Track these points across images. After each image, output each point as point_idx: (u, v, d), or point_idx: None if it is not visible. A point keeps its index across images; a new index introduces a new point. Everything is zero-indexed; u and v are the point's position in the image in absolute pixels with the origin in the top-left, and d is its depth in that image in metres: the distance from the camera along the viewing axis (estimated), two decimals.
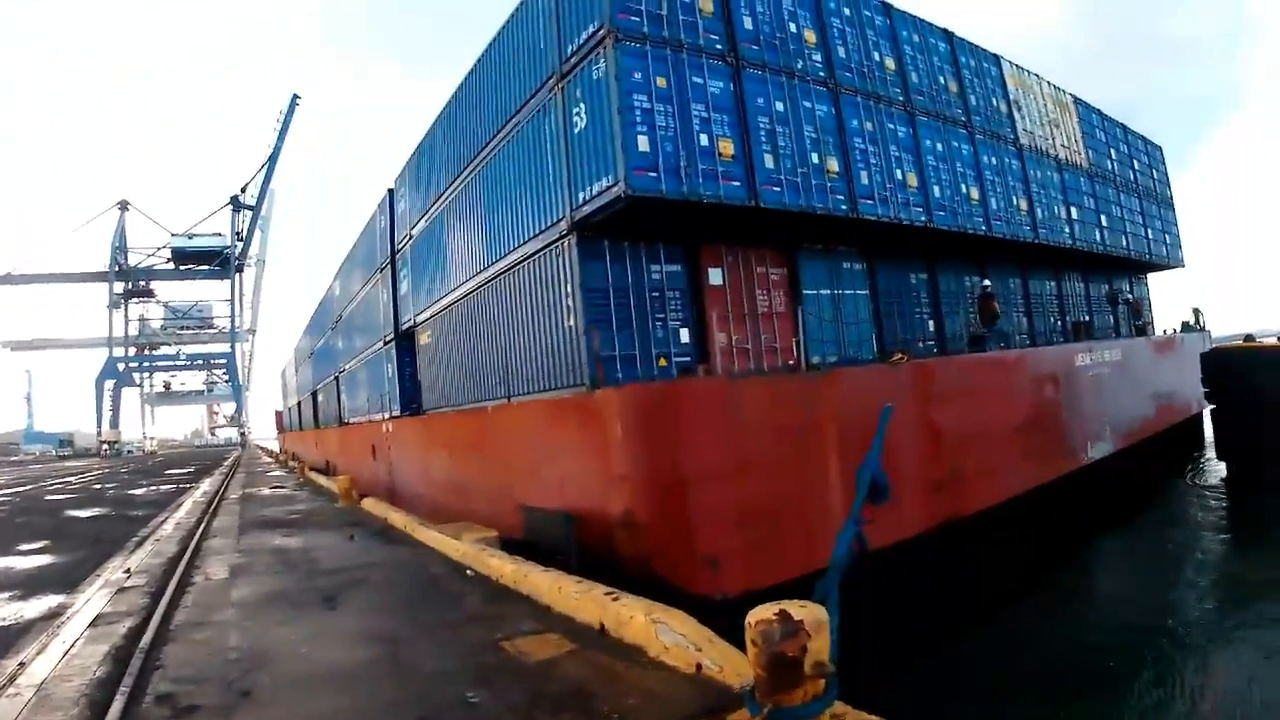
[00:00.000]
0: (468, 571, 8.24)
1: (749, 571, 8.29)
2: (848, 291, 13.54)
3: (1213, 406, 18.66)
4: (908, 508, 10.49)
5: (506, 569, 7.47)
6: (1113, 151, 23.23)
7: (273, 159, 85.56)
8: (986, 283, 16.79)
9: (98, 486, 29.37)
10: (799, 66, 12.19)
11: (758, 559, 8.54)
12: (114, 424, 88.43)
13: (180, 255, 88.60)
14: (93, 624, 6.95)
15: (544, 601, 6.46)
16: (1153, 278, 28.44)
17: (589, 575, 6.71)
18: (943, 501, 11.56)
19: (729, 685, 4.24)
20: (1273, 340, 19.30)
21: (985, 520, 12.05)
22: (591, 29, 10.28)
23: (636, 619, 5.18)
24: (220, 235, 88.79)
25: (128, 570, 9.65)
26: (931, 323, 15.54)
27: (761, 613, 3.39)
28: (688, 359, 11.12)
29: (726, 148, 10.62)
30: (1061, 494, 14.44)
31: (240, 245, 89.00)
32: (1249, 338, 21.45)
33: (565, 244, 10.79)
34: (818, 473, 9.37)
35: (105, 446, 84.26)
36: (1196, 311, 27.18)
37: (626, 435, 8.90)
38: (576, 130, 10.51)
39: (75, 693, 5.05)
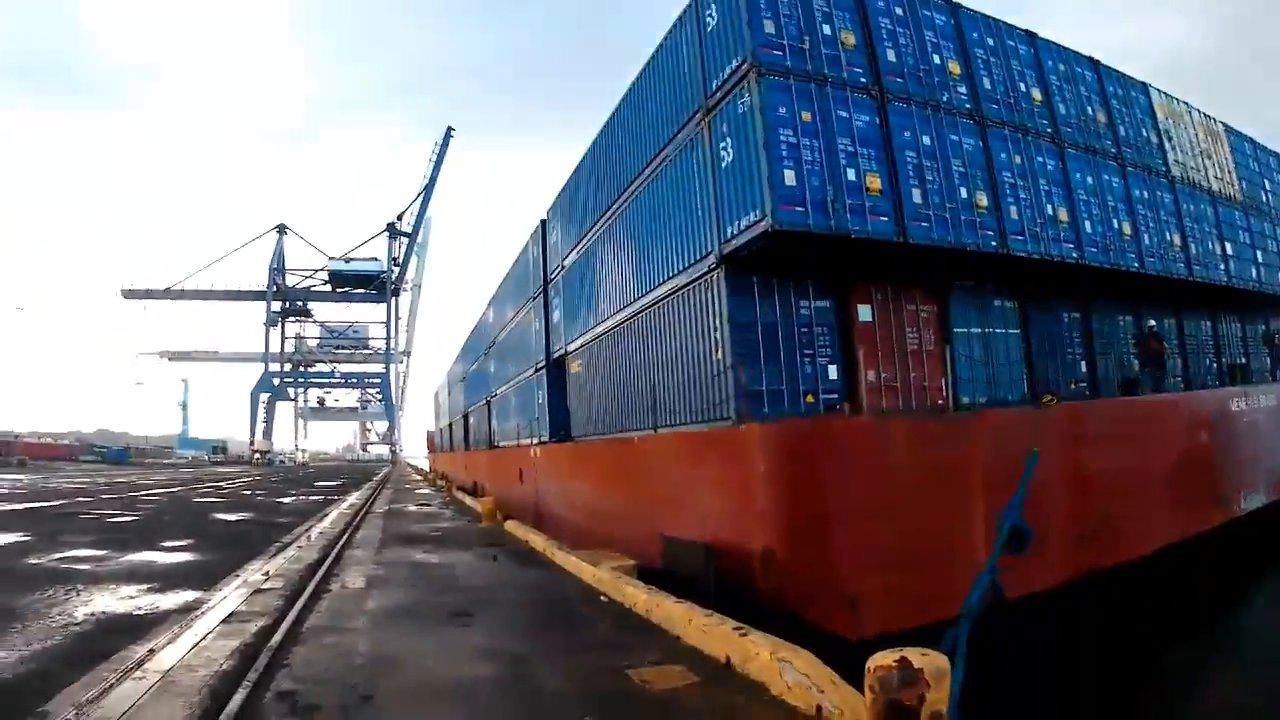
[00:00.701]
0: (602, 598, 8.18)
1: (887, 613, 7.87)
2: (998, 331, 12.61)
3: None
4: (1051, 556, 9.61)
5: (640, 597, 7.40)
6: (1267, 182, 21.07)
7: (428, 188, 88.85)
8: (1152, 322, 15.35)
9: (247, 493, 30.71)
10: (944, 99, 11.48)
11: (897, 601, 8.10)
12: (267, 434, 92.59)
13: (337, 278, 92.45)
14: (225, 620, 7.00)
15: (674, 632, 6.36)
16: None
17: (724, 608, 6.53)
18: (1088, 550, 10.71)
19: None
20: None
21: (1133, 569, 11.05)
22: (735, 63, 9.96)
23: (762, 655, 5.05)
24: (376, 260, 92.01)
25: (266, 573, 9.74)
26: (1084, 364, 14.34)
27: (882, 659, 3.28)
28: (835, 396, 10.64)
29: (874, 182, 10.05)
30: (1214, 545, 12.98)
31: (397, 270, 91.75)
32: None
33: (714, 278, 10.45)
34: (962, 516, 8.79)
35: (257, 455, 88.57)
36: None
37: (770, 470, 8.56)
38: (724, 164, 10.16)
39: (199, 682, 5.09)
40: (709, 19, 10.73)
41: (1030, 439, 8.77)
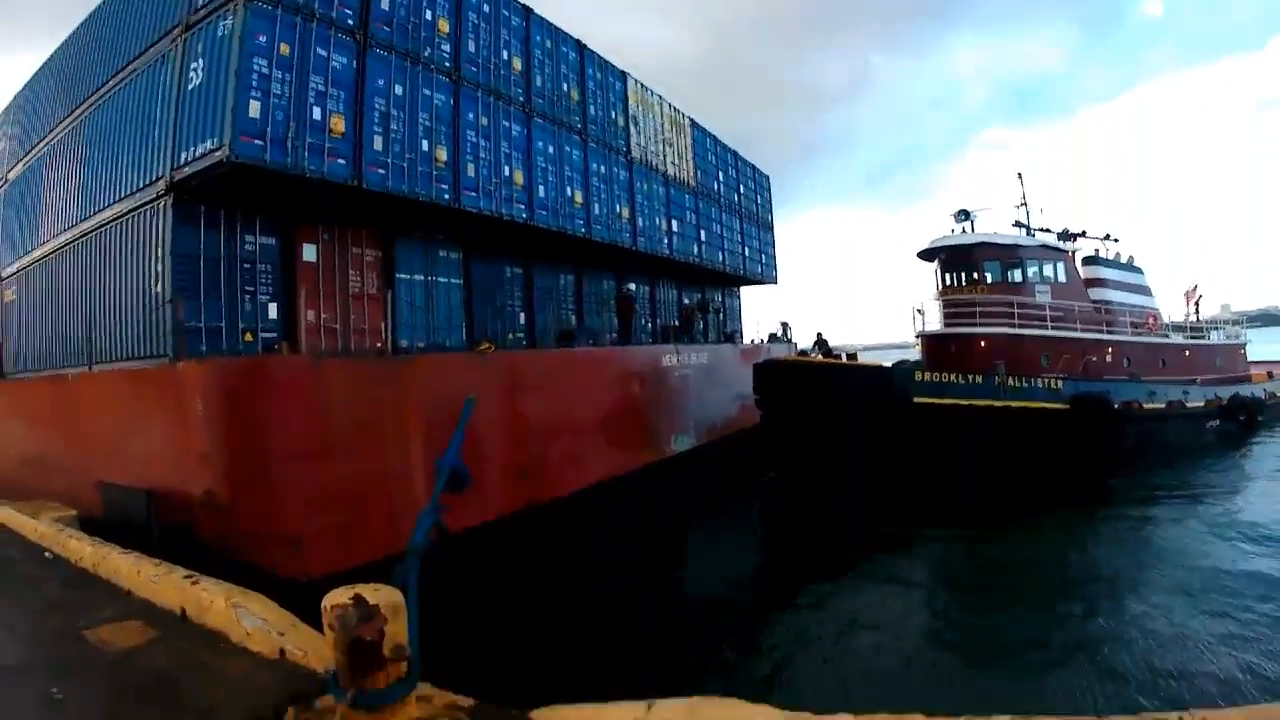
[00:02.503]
0: (46, 554, 8.32)
1: (333, 553, 9.42)
2: (441, 279, 15.52)
3: (761, 414, 21.00)
4: (491, 492, 12.40)
5: (86, 551, 7.65)
6: (721, 174, 28.29)
7: None
8: (631, 286, 19.83)
9: None
10: (426, 54, 13.99)
11: (342, 540, 9.73)
12: None
13: None
14: None
15: (125, 586, 6.62)
16: (751, 291, 34.62)
17: (174, 557, 6.92)
18: (527, 486, 13.77)
19: (314, 670, 4.42)
20: (819, 357, 23.85)
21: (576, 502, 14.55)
22: None
23: (217, 603, 5.40)
24: None
25: None
26: (523, 316, 18.29)
27: (337, 596, 3.59)
28: (274, 335, 12.18)
29: (338, 124, 11.93)
30: (651, 482, 17.73)
31: None
32: (803, 352, 26.64)
33: (161, 205, 11.41)
34: (402, 456, 10.84)
35: None
36: (784, 324, 33.73)
37: (209, 411, 9.56)
38: (190, 86, 11.24)
39: None
40: None
41: (467, 383, 10.95)
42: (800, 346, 30.76)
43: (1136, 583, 12.99)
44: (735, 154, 29.92)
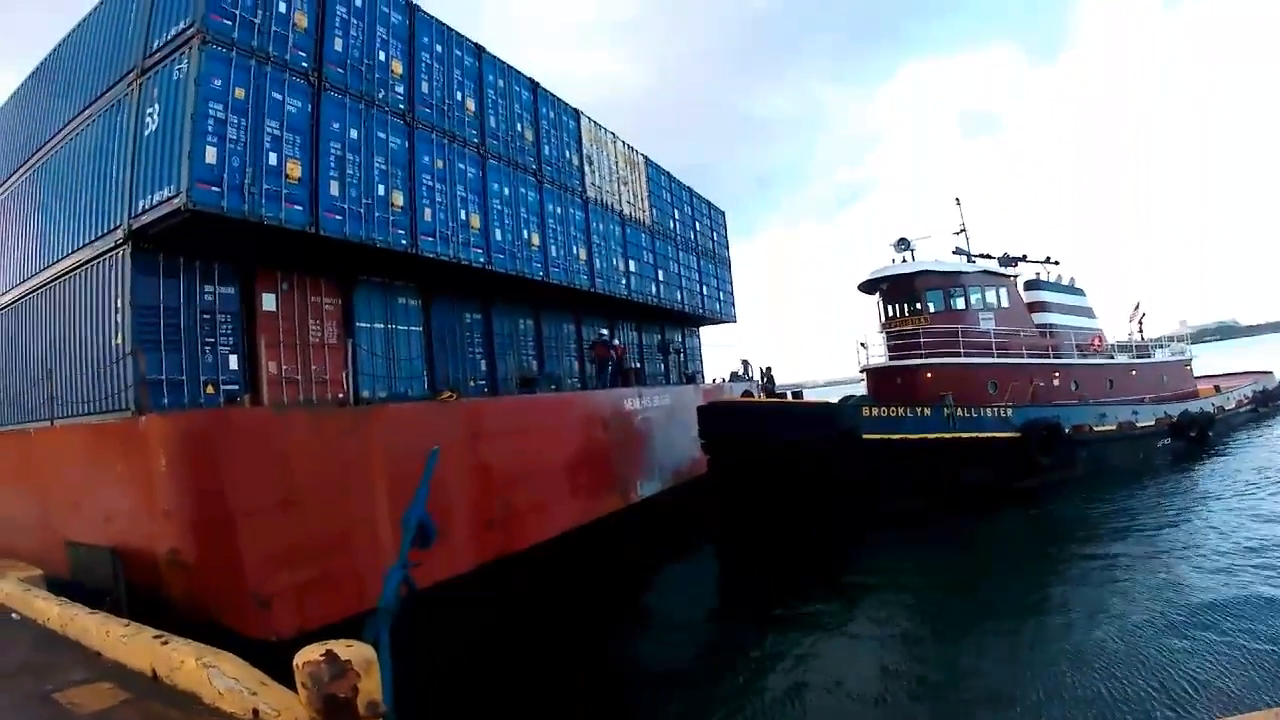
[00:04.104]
0: (13, 615, 8.41)
1: (302, 611, 9.46)
2: (401, 327, 15.67)
3: (708, 456, 20.77)
4: (459, 545, 12.35)
5: (53, 611, 7.72)
6: (676, 212, 28.78)
7: None
8: (604, 331, 20.16)
9: None
10: (380, 96, 14.23)
11: (310, 598, 9.72)
12: None
13: None
14: None
15: (94, 647, 6.68)
16: (711, 330, 34.87)
17: (142, 617, 6.99)
18: (495, 538, 13.79)
19: None
20: (763, 397, 24.34)
21: (551, 551, 14.51)
22: (182, 25, 11.22)
23: (188, 664, 5.44)
24: None
25: None
26: (484, 362, 18.40)
27: (309, 654, 3.69)
28: (236, 387, 12.19)
29: (294, 169, 12.07)
30: (620, 528, 17.74)
31: None
32: (747, 392, 26.92)
33: (119, 255, 11.47)
34: (367, 509, 10.89)
35: None
36: (745, 362, 33.99)
37: (171, 467, 9.51)
38: (147, 132, 11.32)
39: None
40: None
41: (432, 433, 11.07)
42: (745, 386, 31.01)
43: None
44: (690, 190, 30.48)
